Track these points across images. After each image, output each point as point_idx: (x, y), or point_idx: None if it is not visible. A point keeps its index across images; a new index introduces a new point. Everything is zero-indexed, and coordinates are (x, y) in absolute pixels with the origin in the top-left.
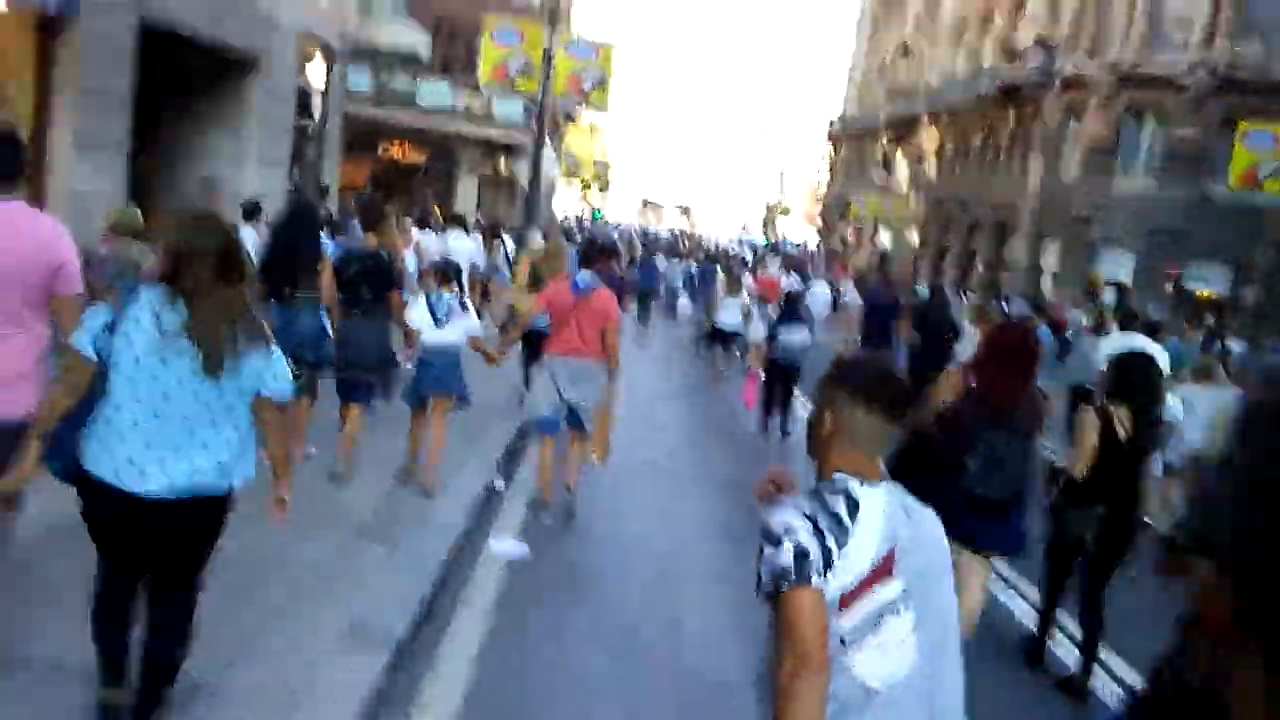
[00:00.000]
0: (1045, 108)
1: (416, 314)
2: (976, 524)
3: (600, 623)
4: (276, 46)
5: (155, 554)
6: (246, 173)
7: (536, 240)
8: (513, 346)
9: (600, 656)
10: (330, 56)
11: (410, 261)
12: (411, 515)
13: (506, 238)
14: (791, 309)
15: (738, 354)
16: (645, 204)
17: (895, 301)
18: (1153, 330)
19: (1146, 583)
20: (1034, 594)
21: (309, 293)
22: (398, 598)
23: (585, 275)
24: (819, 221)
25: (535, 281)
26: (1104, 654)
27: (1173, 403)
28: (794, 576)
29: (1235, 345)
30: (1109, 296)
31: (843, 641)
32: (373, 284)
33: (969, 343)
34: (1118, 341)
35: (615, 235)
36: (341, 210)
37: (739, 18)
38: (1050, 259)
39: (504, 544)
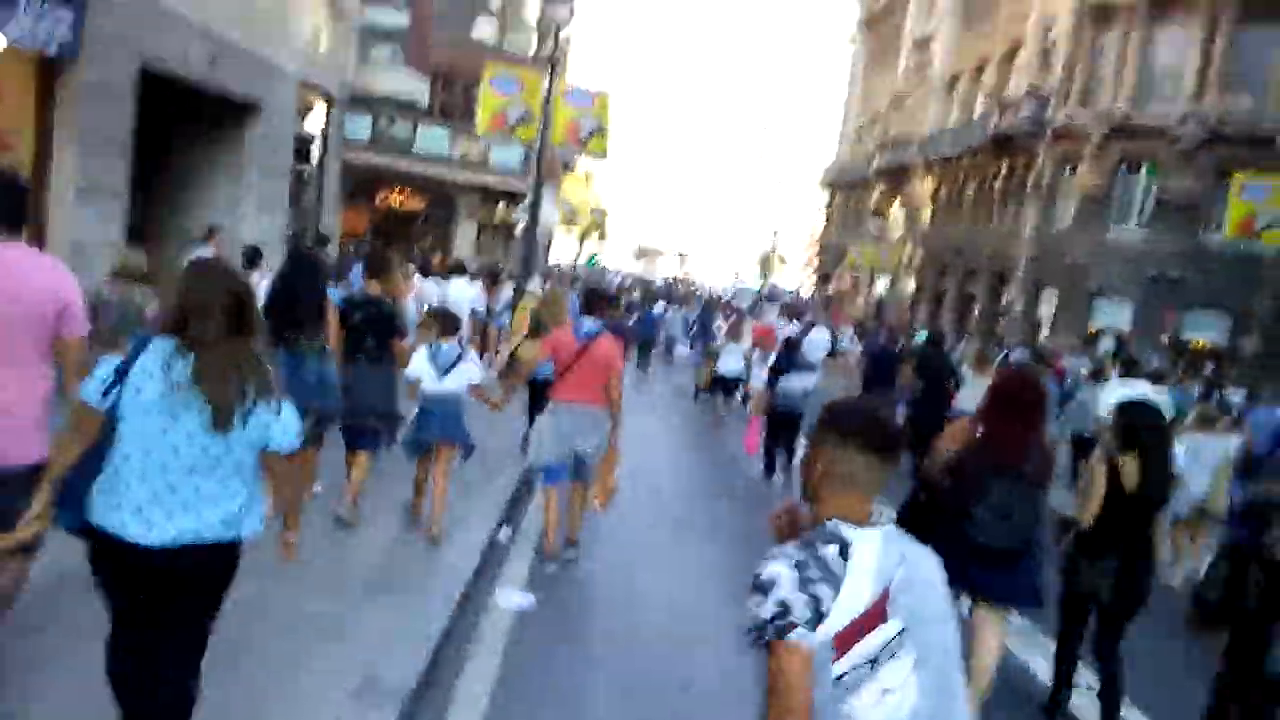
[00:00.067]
0: (1038, 157)
1: (417, 364)
2: (986, 575)
3: (608, 675)
4: (276, 92)
5: (162, 607)
6: (245, 218)
7: (536, 287)
8: (515, 393)
9: (609, 709)
10: (329, 103)
11: (411, 308)
12: (417, 566)
13: (507, 284)
14: (792, 355)
15: (739, 400)
16: (641, 250)
17: (895, 348)
18: (1155, 379)
19: (1163, 635)
20: (1051, 647)
21: (315, 340)
22: (405, 651)
23: (589, 322)
24: (815, 268)
25: (537, 329)
26: (1125, 708)
27: (1177, 452)
28: (772, 632)
29: (1234, 395)
30: (1107, 345)
31: (841, 684)
32: (377, 331)
33: (970, 390)
34: (1120, 390)
35: (615, 282)
36: (342, 257)
37: (734, 66)
38: (1047, 307)
39: (510, 595)
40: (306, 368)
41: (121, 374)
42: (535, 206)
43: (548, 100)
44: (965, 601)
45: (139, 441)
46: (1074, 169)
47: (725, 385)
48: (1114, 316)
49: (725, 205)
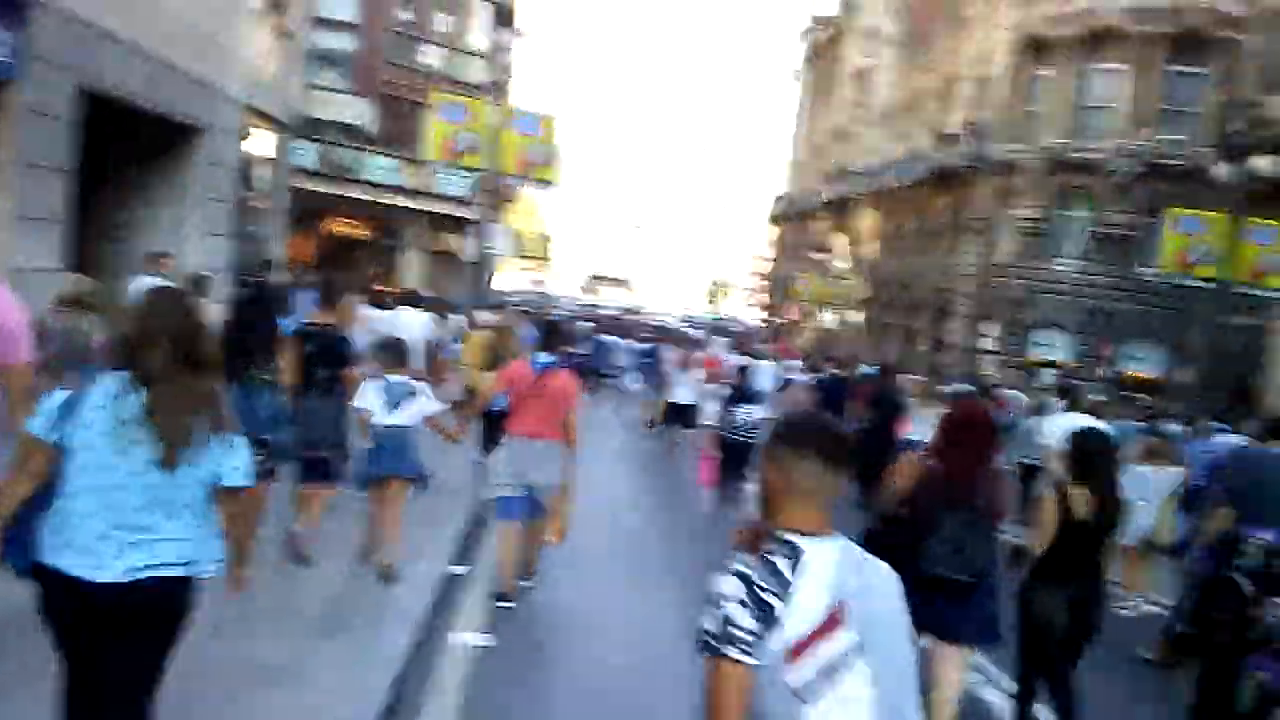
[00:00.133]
0: (978, 191)
1: (367, 397)
2: (943, 609)
3: (570, 713)
4: (220, 116)
5: (113, 648)
6: (189, 245)
7: (485, 316)
8: (469, 423)
9: None
10: (275, 128)
11: (360, 339)
12: (371, 604)
13: (455, 315)
14: (743, 387)
15: (693, 431)
16: (589, 279)
17: (844, 380)
18: (1094, 411)
19: (1113, 665)
20: (1006, 681)
21: (268, 373)
22: (360, 694)
23: (545, 356)
24: (763, 300)
25: (494, 359)
26: None
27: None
28: (714, 645)
29: (1171, 426)
30: (1047, 377)
31: (796, 695)
32: (328, 361)
33: (918, 422)
34: (1065, 421)
35: (563, 311)
36: (292, 285)
37: (685, 92)
38: (988, 340)
39: (467, 634)
40: (259, 400)
41: (70, 408)
42: (484, 235)
43: (496, 129)
44: (925, 638)
45: (88, 477)
46: (1012, 203)
47: (679, 415)
48: (1053, 349)
49: (674, 235)
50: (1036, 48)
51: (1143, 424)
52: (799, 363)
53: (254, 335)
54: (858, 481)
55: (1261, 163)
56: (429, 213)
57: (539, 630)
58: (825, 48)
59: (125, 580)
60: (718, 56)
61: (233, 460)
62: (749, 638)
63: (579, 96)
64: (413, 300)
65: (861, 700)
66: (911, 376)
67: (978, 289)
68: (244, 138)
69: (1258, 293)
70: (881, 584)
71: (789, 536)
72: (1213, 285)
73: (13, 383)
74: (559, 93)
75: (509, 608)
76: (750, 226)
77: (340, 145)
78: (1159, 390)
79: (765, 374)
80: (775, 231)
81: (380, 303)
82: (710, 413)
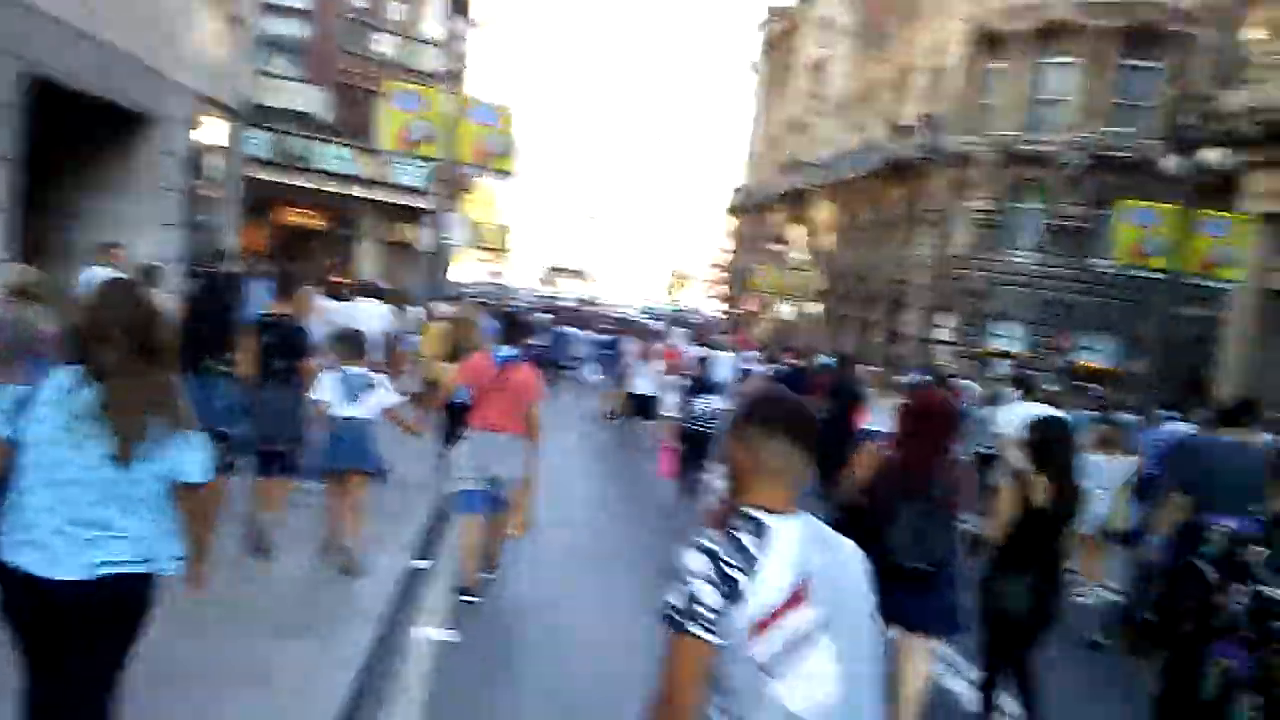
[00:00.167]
0: (933, 182)
1: (324, 388)
2: (906, 598)
3: (537, 709)
4: (170, 104)
5: (73, 646)
6: (139, 235)
7: (442, 308)
8: (430, 416)
9: None
10: (227, 116)
11: (317, 331)
12: (333, 601)
13: (412, 306)
14: (704, 378)
15: (653, 422)
16: (547, 270)
17: (802, 371)
18: (1050, 401)
19: (1069, 652)
20: (972, 672)
21: (227, 365)
22: (323, 693)
23: (507, 349)
24: (722, 291)
25: (453, 350)
26: None
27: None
28: (677, 620)
29: (1126, 416)
30: (1002, 368)
31: (762, 670)
32: (285, 353)
33: (876, 412)
34: (1021, 410)
35: (521, 303)
36: (246, 276)
37: (645, 84)
38: (944, 331)
39: (430, 630)
40: (216, 392)
41: (23, 402)
42: (441, 225)
43: (454, 118)
44: (891, 629)
45: (43, 473)
46: (967, 194)
47: (641, 405)
48: (1008, 340)
49: (632, 226)
50: (990, 40)
51: (1096, 413)
52: (757, 354)
53: (212, 326)
54: (817, 471)
55: (1212, 155)
56: (384, 203)
57: (503, 624)
58: (781, 39)
59: (83, 578)
60: (676, 47)
61: (190, 455)
62: (712, 615)
63: (536, 87)
64: (370, 291)
65: (826, 675)
66: (869, 367)
67: (933, 280)
68: (195, 126)
69: (1209, 284)
70: (847, 561)
71: (755, 514)
72: (1165, 277)
73: None
74: (516, 83)
75: (473, 602)
76: (709, 218)
77: (293, 134)
78: (1113, 380)
79: (724, 365)
80: (733, 223)
81: (337, 294)
82: (670, 403)
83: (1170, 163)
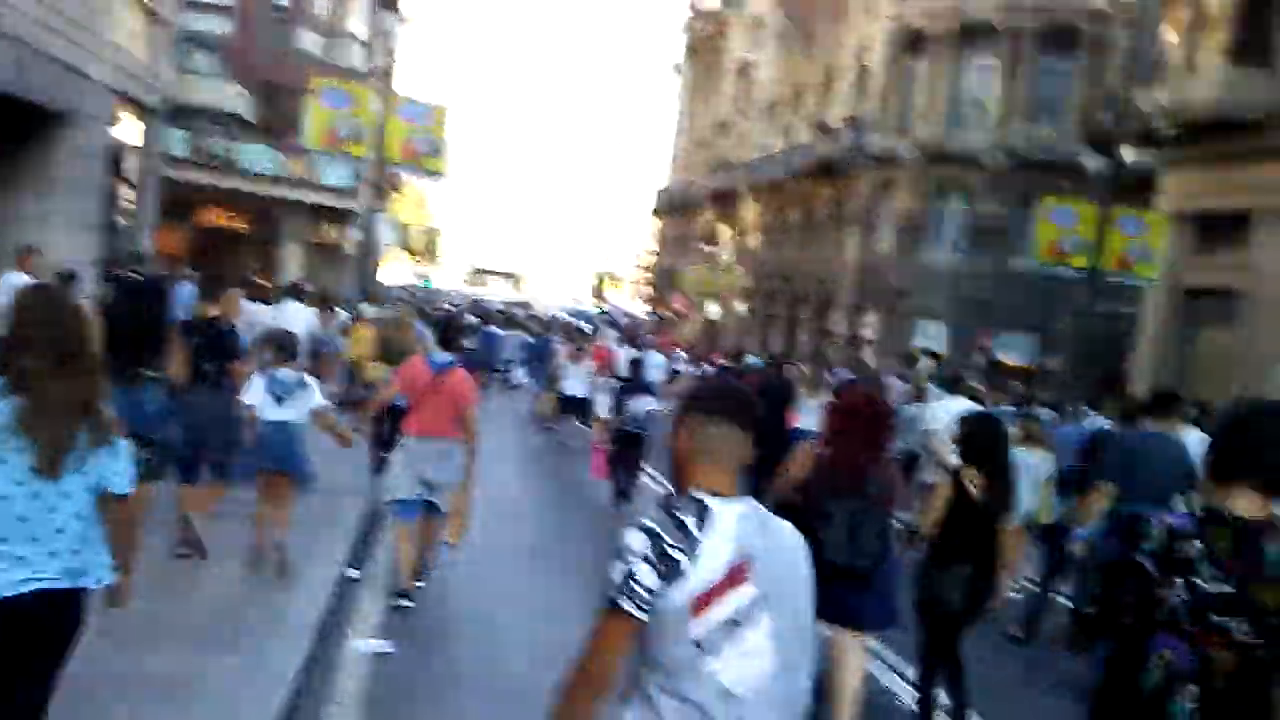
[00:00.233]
0: (858, 183)
1: (253, 391)
2: (841, 596)
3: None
4: (86, 103)
5: (2, 669)
6: (54, 237)
7: (370, 310)
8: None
9: None
10: (145, 115)
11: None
12: (263, 613)
13: (339, 309)
14: (636, 378)
15: (584, 424)
16: (475, 272)
17: (733, 372)
18: (973, 397)
19: (992, 644)
20: (908, 669)
21: (154, 371)
22: (254, 710)
23: (443, 355)
24: (648, 292)
25: (388, 353)
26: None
27: None
28: (610, 596)
29: (1042, 412)
30: (923, 366)
31: (699, 647)
32: (214, 355)
33: (806, 412)
34: (951, 407)
35: (449, 305)
36: (166, 278)
37: (568, 86)
38: (869, 330)
39: (365, 641)
40: (145, 397)
41: None
42: (369, 227)
43: (383, 116)
44: (824, 627)
45: None
46: (892, 194)
47: (572, 406)
48: (931, 338)
49: (560, 227)
50: (912, 41)
51: (1015, 409)
52: (684, 354)
53: (139, 330)
54: (751, 470)
55: (1130, 154)
56: (310, 204)
57: (438, 633)
58: (707, 41)
59: (11, 595)
60: (601, 51)
61: (116, 465)
62: (645, 594)
63: (465, 87)
64: (296, 293)
65: (762, 653)
66: (798, 366)
67: (859, 280)
68: (112, 125)
69: (1125, 281)
70: (787, 544)
71: (699, 496)
72: (1083, 274)
73: None
74: (445, 82)
75: (408, 606)
76: (636, 219)
77: (214, 133)
78: (1029, 377)
79: (653, 365)
80: (659, 223)
81: (261, 297)
82: (602, 404)
83: (1089, 161)
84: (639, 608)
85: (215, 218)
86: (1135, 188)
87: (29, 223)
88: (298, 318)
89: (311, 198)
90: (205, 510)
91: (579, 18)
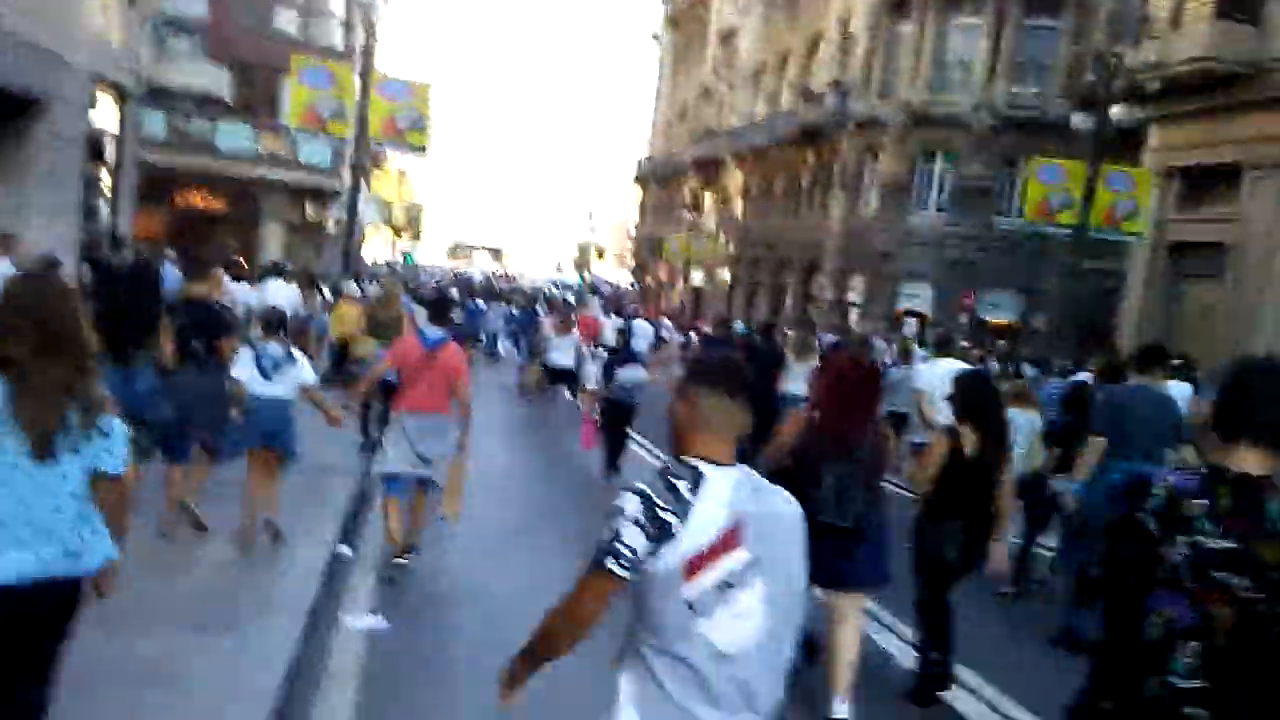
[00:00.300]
0: (843, 147)
1: (242, 366)
2: (832, 558)
3: (473, 695)
4: (64, 87)
5: (2, 657)
6: (31, 223)
7: (352, 287)
8: (359, 401)
9: None
10: (123, 98)
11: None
12: (256, 594)
13: (323, 286)
14: (625, 347)
15: (573, 394)
16: (457, 247)
17: (725, 339)
18: (960, 356)
19: (987, 597)
20: (905, 629)
21: (147, 351)
22: (250, 693)
23: (434, 330)
24: (632, 261)
25: (375, 328)
26: (955, 665)
27: None
28: (597, 554)
29: (1027, 369)
30: (909, 328)
31: (692, 609)
32: (203, 334)
33: (794, 377)
34: (940, 367)
35: (431, 280)
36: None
37: (546, 58)
38: (855, 293)
39: (359, 618)
40: (136, 377)
41: None
42: (352, 205)
43: (364, 94)
44: (817, 590)
45: None
46: (876, 158)
47: (559, 377)
48: (917, 300)
49: (541, 199)
50: (897, 4)
51: (1003, 366)
52: (670, 322)
53: (133, 311)
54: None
55: (1117, 111)
56: (290, 183)
57: (431, 608)
58: (689, 9)
59: (10, 583)
60: (581, 20)
61: (109, 446)
62: (630, 555)
63: (444, 62)
64: (278, 272)
65: (754, 615)
66: (785, 331)
67: (845, 244)
68: (90, 108)
69: (1110, 238)
70: (781, 509)
71: (695, 462)
72: (1069, 231)
73: None
74: (425, 57)
75: (403, 563)
76: (620, 189)
77: (193, 114)
78: (1014, 335)
79: (640, 333)
80: (642, 192)
81: (244, 276)
82: (590, 374)
83: (1077, 119)
84: (622, 567)
85: (194, 199)
86: (1121, 145)
87: (6, 209)
88: (280, 295)
89: (291, 177)
90: (193, 491)
91: None
